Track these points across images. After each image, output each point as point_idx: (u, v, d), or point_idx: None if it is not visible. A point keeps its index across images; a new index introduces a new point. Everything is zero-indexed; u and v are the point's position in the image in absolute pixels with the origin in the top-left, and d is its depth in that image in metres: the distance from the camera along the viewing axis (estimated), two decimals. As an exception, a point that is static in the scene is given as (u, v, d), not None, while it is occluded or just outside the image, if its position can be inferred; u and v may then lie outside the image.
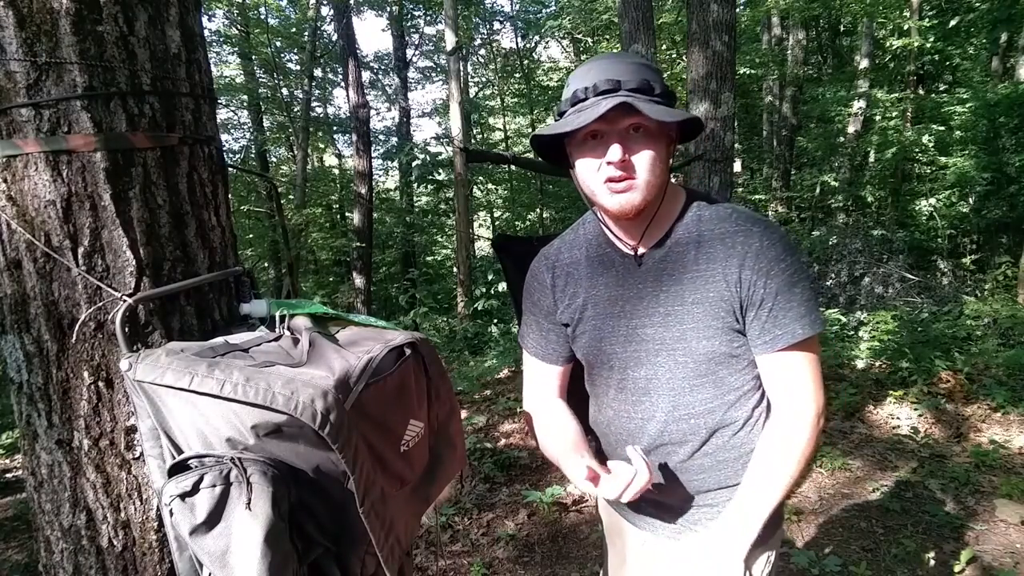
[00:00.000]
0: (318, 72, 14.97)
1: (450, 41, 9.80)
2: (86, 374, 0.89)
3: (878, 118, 11.13)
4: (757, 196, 13.37)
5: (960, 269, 9.62)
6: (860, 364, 5.10)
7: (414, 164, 13.73)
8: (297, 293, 4.54)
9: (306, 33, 13.62)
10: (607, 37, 14.13)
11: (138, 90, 0.89)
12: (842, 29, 14.72)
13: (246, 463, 0.75)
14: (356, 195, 11.99)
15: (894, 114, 11.01)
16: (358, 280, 11.72)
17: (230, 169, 1.13)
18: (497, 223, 16.72)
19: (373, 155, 12.69)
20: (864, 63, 11.23)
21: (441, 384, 1.04)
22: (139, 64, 0.89)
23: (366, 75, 14.76)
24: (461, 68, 13.56)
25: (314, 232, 14.33)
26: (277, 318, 1.00)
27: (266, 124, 15.57)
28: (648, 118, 0.98)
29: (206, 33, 2.19)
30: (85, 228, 0.86)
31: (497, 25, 16.69)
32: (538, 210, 14.70)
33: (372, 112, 14.13)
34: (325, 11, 13.30)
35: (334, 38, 13.73)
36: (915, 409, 4.18)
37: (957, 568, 2.59)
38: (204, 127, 1.00)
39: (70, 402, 0.90)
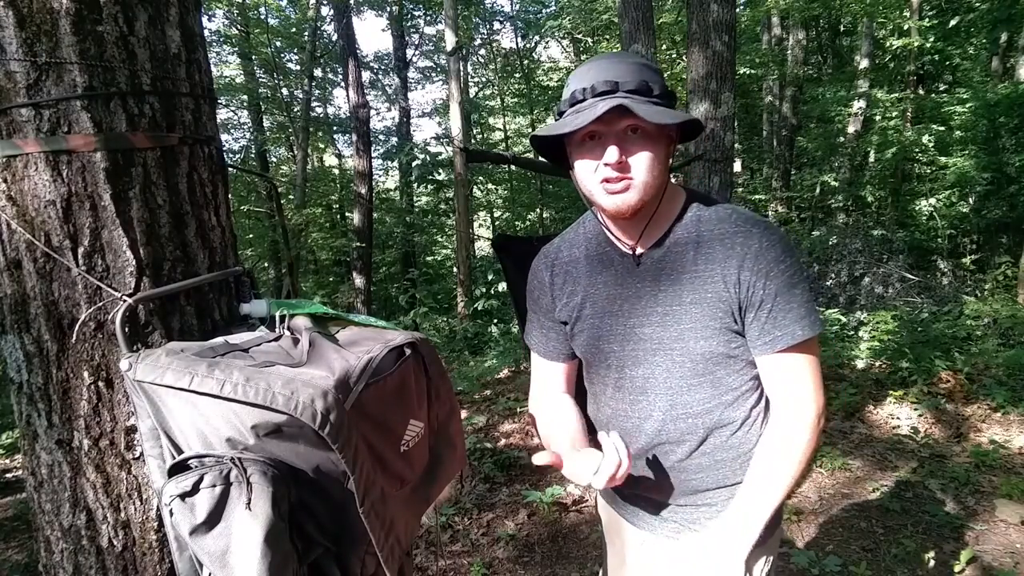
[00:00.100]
0: (318, 72, 14.98)
1: (450, 41, 9.80)
2: (86, 374, 0.89)
3: (878, 118, 11.13)
4: (757, 196, 13.38)
5: (960, 269, 9.62)
6: (860, 364, 5.11)
7: (414, 164, 13.74)
8: (297, 293, 4.54)
9: (306, 33, 13.62)
10: (607, 37, 14.12)
11: (138, 90, 0.89)
12: (842, 29, 14.71)
13: (246, 463, 0.75)
14: (356, 195, 11.98)
15: (894, 114, 11.01)
16: (358, 280, 11.71)
17: (230, 169, 1.13)
18: (497, 223, 16.72)
19: (373, 155, 12.69)
20: (864, 63, 11.22)
21: (441, 384, 1.04)
22: (139, 64, 0.89)
23: (366, 75, 14.77)
24: (461, 68, 13.56)
25: (314, 232, 14.32)
26: (277, 318, 1.00)
27: (266, 124, 15.57)
28: (645, 120, 0.98)
29: (206, 33, 2.19)
30: (85, 228, 0.86)
31: (497, 25, 16.72)
32: (538, 210, 14.69)
33: (372, 112, 14.14)
34: (325, 11, 13.31)
35: (334, 38, 13.74)
36: (915, 409, 4.18)
37: (957, 568, 2.59)
38: (204, 127, 1.00)
39: (70, 402, 0.90)
